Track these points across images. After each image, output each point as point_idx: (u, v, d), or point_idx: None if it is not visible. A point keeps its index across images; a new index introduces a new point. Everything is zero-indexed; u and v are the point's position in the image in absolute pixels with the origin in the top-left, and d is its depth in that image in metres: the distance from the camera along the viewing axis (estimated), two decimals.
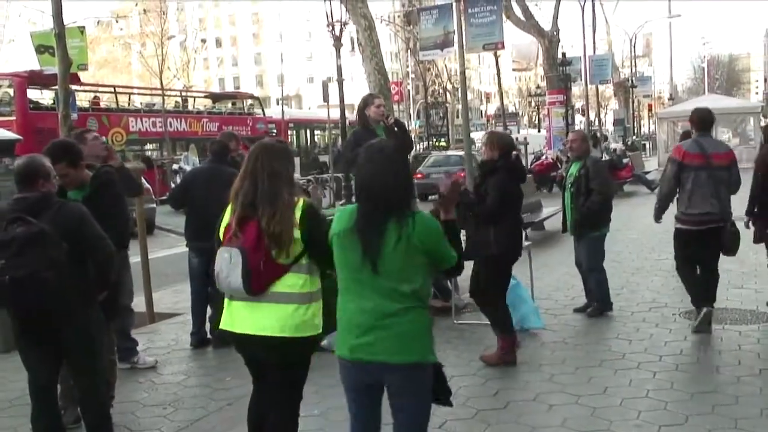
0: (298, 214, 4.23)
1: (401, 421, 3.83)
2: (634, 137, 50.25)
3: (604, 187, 8.61)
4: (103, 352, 5.61)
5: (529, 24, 33.10)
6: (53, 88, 22.04)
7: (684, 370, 6.62)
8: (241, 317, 4.31)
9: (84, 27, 26.55)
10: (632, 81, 54.36)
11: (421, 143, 56.75)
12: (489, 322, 8.30)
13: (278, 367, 4.40)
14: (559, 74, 31.10)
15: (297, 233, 4.19)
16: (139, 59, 54.35)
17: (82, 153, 6.08)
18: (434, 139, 56.59)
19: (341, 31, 20.64)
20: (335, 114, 30.25)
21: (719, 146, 8.20)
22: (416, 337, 3.75)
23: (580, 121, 46.59)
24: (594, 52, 41.17)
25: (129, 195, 7.45)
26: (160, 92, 38.40)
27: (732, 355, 6.96)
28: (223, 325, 4.43)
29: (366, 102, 9.00)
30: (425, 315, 3.81)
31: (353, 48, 31.29)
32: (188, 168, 26.78)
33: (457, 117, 58.59)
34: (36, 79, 26.22)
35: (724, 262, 11.35)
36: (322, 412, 6.06)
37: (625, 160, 25.81)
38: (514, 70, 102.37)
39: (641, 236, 14.37)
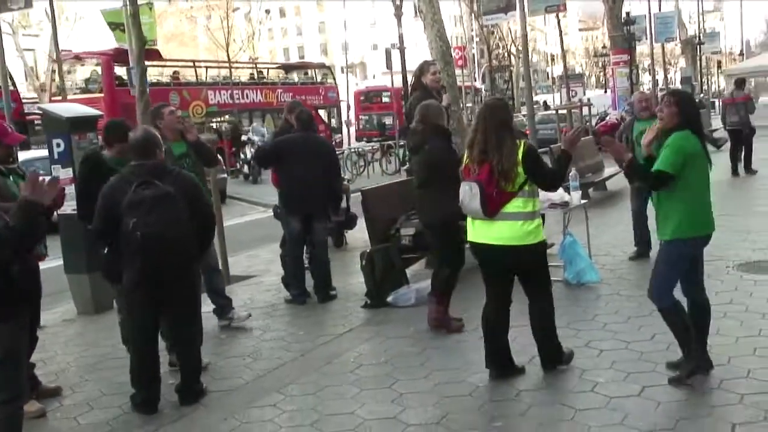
0: (520, 153, 5.50)
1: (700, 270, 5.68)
2: (702, 95, 49.36)
3: None
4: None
5: None
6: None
7: (732, 317, 6.92)
8: (483, 231, 5.67)
9: (152, 3, 27.30)
10: (699, 38, 53.30)
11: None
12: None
13: (520, 268, 5.76)
14: (623, 34, 30.77)
15: (520, 168, 5.49)
16: (205, 32, 55.20)
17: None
18: None
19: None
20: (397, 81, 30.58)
21: None
22: None
23: (648, 81, 46.02)
24: (660, 9, 40.61)
25: (206, 166, 8.04)
26: (235, 65, 39.28)
27: None
28: (469, 237, 5.85)
29: (422, 70, 9.33)
30: None
31: (416, 14, 31.43)
32: (257, 139, 27.42)
33: (523, 80, 58.36)
34: (121, 56, 27.15)
35: None
36: (388, 359, 6.55)
37: None
38: (580, 30, 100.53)
39: None
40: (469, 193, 5.61)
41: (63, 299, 9.30)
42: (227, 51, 40.77)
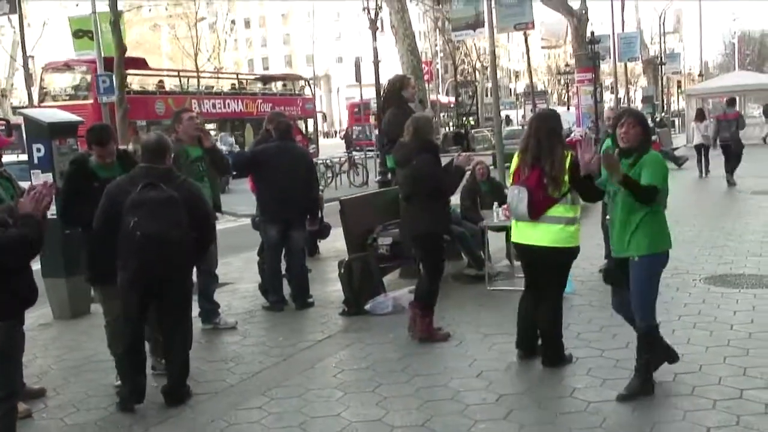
0: (567, 162, 5.92)
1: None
2: (663, 114, 50.20)
3: None
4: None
5: (558, 2, 33.23)
6: (129, 72, 23.28)
7: (701, 327, 7.16)
8: (526, 233, 6.14)
9: (122, 11, 27.42)
10: (661, 58, 54.27)
11: (450, 122, 57.20)
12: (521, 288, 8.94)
13: (548, 269, 6.20)
14: (588, 53, 31.22)
15: (566, 177, 5.92)
16: (173, 41, 55.19)
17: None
18: (463, 118, 56.83)
19: (377, 14, 21.14)
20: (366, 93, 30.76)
21: None
22: None
23: (609, 99, 46.70)
24: (623, 29, 41.31)
25: (219, 174, 8.23)
26: (208, 76, 39.68)
27: (746, 314, 7.50)
28: (513, 238, 6.36)
29: (402, 83, 9.49)
30: None
31: (382, 28, 31.71)
32: (224, 149, 27.45)
33: (487, 95, 58.87)
34: (110, 64, 27.41)
35: (746, 233, 11.90)
36: (369, 364, 6.69)
37: (653, 137, 26.10)
38: (543, 47, 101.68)
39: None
40: (516, 197, 6.03)
41: (39, 303, 9.28)
42: (195, 60, 40.91)
